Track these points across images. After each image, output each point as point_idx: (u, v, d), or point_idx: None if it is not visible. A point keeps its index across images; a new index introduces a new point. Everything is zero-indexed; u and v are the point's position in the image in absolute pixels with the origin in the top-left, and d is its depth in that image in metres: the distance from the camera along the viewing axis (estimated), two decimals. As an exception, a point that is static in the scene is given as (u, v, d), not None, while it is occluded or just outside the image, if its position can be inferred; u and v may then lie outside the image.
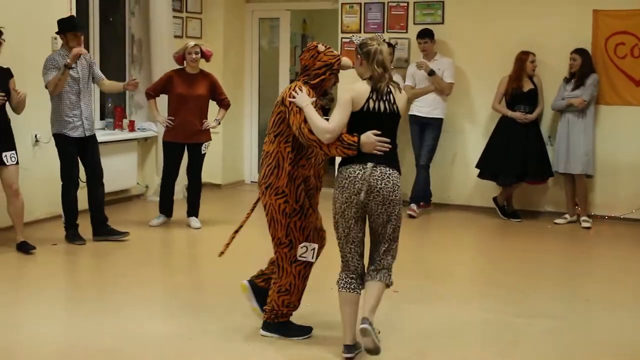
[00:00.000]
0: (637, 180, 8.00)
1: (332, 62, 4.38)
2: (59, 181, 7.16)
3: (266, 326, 4.53)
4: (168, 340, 4.61)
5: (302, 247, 4.34)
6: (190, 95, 7.23)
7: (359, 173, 4.11)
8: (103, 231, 6.98)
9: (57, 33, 6.87)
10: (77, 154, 6.81)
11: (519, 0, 8.34)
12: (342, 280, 4.24)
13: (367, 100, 4.15)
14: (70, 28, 6.72)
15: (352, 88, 4.24)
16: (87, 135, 6.83)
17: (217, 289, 5.65)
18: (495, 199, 8.34)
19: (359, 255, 4.27)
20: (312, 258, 4.39)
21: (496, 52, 8.33)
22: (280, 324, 4.49)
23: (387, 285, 4.35)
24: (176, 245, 7.52)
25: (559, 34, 8.11)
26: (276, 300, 4.43)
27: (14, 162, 6.39)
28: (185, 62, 7.40)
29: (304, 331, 4.56)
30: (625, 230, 7.78)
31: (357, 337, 4.16)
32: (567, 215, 8.05)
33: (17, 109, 6.47)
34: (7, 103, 6.38)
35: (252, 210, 4.59)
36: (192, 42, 7.62)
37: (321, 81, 4.38)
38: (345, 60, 4.43)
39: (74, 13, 7.73)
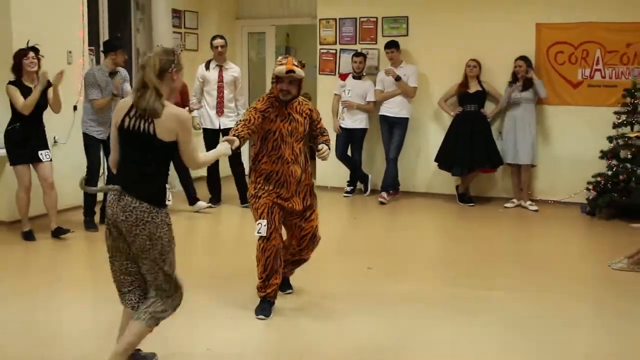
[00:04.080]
0: (575, 169, 7.91)
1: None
2: (74, 176, 7.03)
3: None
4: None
5: (257, 224, 4.30)
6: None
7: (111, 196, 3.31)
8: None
9: (102, 51, 6.87)
10: (103, 151, 6.71)
11: (471, 17, 8.26)
12: None
13: (124, 118, 3.28)
14: (114, 48, 6.70)
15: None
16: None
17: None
18: (457, 187, 8.26)
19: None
20: (264, 233, 4.29)
21: (453, 60, 8.21)
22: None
23: (149, 325, 3.37)
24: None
25: (505, 44, 8.01)
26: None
27: (49, 159, 6.35)
28: None
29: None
30: (565, 212, 7.73)
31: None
32: (514, 200, 7.97)
33: (55, 109, 6.37)
34: (46, 108, 6.31)
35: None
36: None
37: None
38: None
39: (86, 29, 7.62)
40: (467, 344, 4.09)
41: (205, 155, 3.69)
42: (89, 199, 6.80)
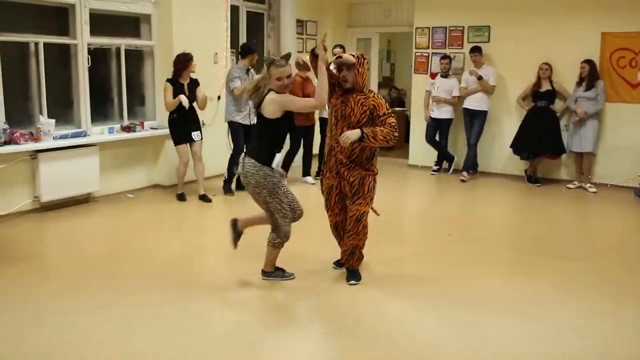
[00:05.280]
0: (630, 158, 8.03)
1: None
2: (216, 151, 7.56)
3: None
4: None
5: None
6: (304, 94, 7.44)
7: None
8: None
9: (240, 53, 7.15)
10: (245, 134, 7.00)
11: (544, 26, 8.37)
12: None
13: None
14: (251, 51, 7.05)
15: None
16: (251, 123, 7.03)
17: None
18: (526, 170, 8.52)
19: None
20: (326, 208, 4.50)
21: (527, 63, 8.41)
22: None
23: (272, 245, 4.21)
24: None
25: (574, 49, 8.15)
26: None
27: (200, 139, 6.82)
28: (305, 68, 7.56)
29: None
30: (620, 194, 7.83)
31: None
32: (576, 182, 8.18)
33: (201, 107, 6.82)
34: (195, 102, 6.73)
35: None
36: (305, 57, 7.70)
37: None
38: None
39: (229, 37, 8.05)
40: (525, 302, 4.16)
41: (317, 86, 3.99)
42: (231, 171, 7.14)
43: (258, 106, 4.03)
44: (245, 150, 3.98)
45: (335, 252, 4.82)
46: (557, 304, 4.22)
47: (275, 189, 4.05)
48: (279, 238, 4.19)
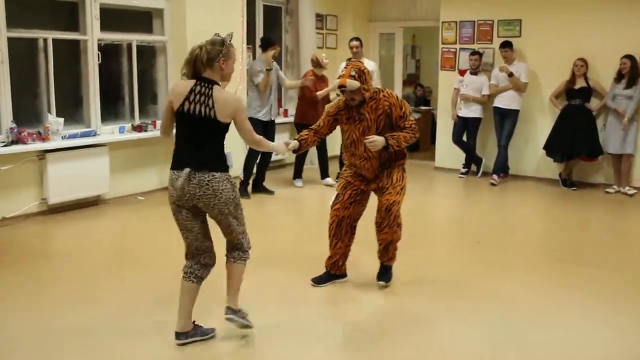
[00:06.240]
0: None
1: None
2: (234, 152, 7.66)
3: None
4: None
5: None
6: (316, 91, 7.60)
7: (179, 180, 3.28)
8: (259, 188, 7.46)
9: (260, 47, 7.29)
10: (262, 132, 6.78)
11: (580, 19, 8.27)
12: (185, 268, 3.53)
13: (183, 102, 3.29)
14: (273, 43, 7.20)
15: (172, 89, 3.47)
16: (271, 119, 7.27)
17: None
18: (560, 173, 8.36)
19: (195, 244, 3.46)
20: (331, 202, 4.41)
21: (561, 58, 8.31)
22: None
23: (244, 261, 3.53)
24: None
25: (611, 44, 8.02)
26: None
27: None
28: (319, 66, 7.78)
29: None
30: None
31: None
32: (614, 186, 7.99)
33: None
34: None
35: None
36: (323, 54, 7.99)
37: None
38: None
39: (245, 30, 8.00)
40: (559, 313, 4.08)
41: (263, 140, 3.64)
42: (249, 170, 7.24)
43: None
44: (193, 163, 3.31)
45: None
46: (596, 317, 4.13)
47: (239, 200, 3.48)
48: (247, 252, 3.58)
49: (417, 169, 9.38)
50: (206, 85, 3.28)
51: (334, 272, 4.52)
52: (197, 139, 3.28)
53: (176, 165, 3.33)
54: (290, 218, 6.95)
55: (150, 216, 6.52)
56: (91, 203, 6.77)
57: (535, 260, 5.34)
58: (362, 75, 4.12)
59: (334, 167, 8.47)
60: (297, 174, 8.16)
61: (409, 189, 4.47)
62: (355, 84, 4.07)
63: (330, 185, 7.93)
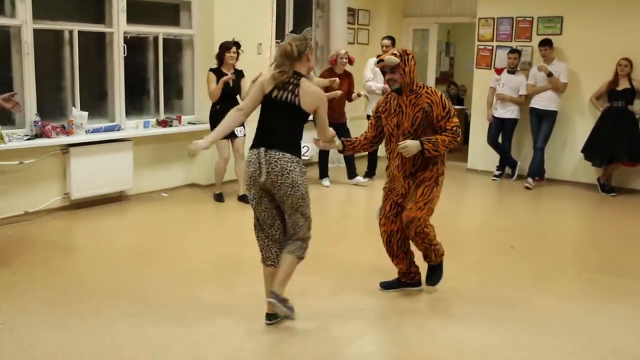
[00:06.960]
0: None
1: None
2: None
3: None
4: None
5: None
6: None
7: (252, 156, 3.63)
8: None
9: None
10: None
11: (625, 17, 8.12)
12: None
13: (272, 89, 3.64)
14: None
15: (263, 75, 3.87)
16: None
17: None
18: (598, 178, 8.21)
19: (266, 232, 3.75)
20: (377, 217, 4.37)
21: (604, 58, 8.15)
22: None
23: (299, 258, 3.70)
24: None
25: None
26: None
27: (243, 134, 6.69)
28: (336, 63, 7.79)
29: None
30: None
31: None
32: None
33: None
34: (240, 93, 6.70)
35: None
36: (343, 50, 7.94)
37: None
38: None
39: (274, 25, 8.03)
40: (599, 328, 3.96)
41: (335, 136, 4.00)
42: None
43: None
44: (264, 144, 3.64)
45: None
46: (637, 334, 3.98)
47: (307, 186, 3.71)
48: (304, 249, 3.73)
49: (448, 170, 8.88)
50: (296, 77, 3.64)
51: (404, 280, 4.47)
52: (276, 122, 3.61)
53: (254, 145, 3.67)
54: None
55: (174, 213, 6.49)
56: (114, 199, 6.77)
57: (573, 270, 5.24)
58: (404, 55, 4.06)
59: (361, 167, 8.43)
60: (324, 174, 8.09)
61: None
62: (394, 60, 4.00)
63: (362, 185, 7.98)
